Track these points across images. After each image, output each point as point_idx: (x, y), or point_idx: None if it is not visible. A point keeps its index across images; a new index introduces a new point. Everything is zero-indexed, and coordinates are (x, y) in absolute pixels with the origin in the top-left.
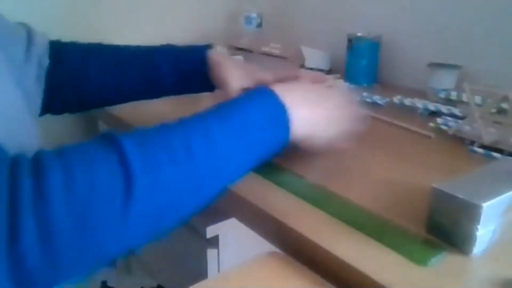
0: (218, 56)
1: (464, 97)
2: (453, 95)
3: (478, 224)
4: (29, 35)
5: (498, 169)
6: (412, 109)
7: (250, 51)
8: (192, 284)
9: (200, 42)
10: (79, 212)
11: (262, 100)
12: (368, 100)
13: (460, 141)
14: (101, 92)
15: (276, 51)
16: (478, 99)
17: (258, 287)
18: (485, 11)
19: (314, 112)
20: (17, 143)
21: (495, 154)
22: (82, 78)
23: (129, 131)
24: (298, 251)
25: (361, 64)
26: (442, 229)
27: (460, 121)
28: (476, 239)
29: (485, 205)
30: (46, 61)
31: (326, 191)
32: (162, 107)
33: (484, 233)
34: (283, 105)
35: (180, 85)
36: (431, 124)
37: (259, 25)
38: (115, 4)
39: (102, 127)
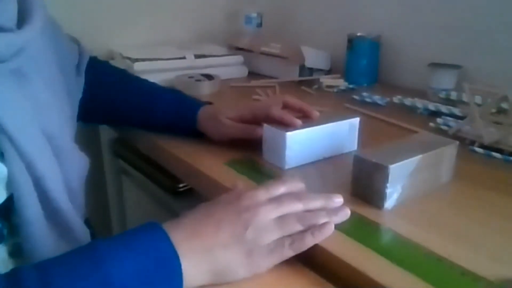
0: (207, 116)
1: (464, 97)
2: (453, 95)
3: (387, 183)
4: (80, 50)
5: (414, 140)
6: (412, 109)
7: (250, 51)
8: None
9: (200, 42)
10: None
11: (141, 246)
12: (368, 100)
13: (460, 141)
14: (112, 115)
15: (276, 51)
16: (478, 99)
17: (257, 286)
18: (485, 11)
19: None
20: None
21: (495, 154)
22: (106, 101)
23: None
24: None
25: (361, 64)
26: (361, 190)
27: (460, 121)
28: (386, 196)
29: (392, 166)
30: (86, 76)
31: None
32: None
33: (393, 191)
34: (172, 249)
35: (171, 131)
36: (431, 124)
37: (259, 25)
38: (115, 4)
39: (102, 127)
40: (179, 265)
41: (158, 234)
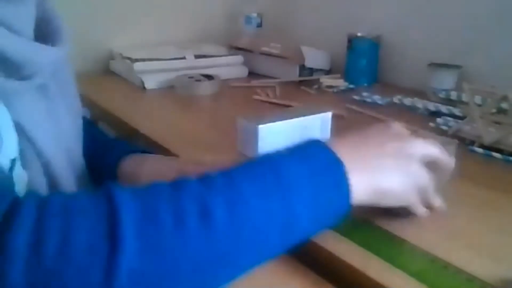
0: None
1: (464, 97)
2: (453, 95)
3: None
4: None
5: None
6: (412, 109)
7: (250, 51)
8: None
9: (200, 42)
10: (43, 280)
11: (310, 154)
12: (368, 100)
13: (460, 141)
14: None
15: (276, 51)
16: (478, 99)
17: (257, 286)
18: (485, 11)
19: (375, 165)
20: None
21: (495, 154)
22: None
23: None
24: (299, 250)
25: (361, 64)
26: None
27: (460, 121)
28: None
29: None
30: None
31: None
32: (161, 110)
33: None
34: (338, 159)
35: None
36: (431, 124)
37: (259, 25)
38: (115, 4)
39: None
40: (345, 173)
41: (322, 146)
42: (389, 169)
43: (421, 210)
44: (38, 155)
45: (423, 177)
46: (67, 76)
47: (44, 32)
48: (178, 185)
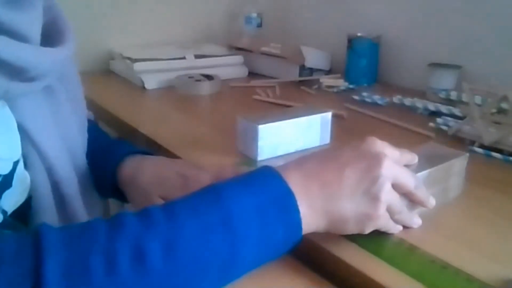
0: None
1: (464, 97)
2: (453, 95)
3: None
4: None
5: (421, 152)
6: (412, 109)
7: (250, 51)
8: None
9: (200, 42)
10: None
11: (261, 185)
12: (368, 100)
13: (460, 141)
14: None
15: (276, 51)
16: (478, 99)
17: (257, 286)
18: (485, 11)
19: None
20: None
21: (495, 154)
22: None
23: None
24: (299, 250)
25: (361, 64)
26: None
27: (460, 121)
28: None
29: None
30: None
31: None
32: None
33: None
34: (289, 190)
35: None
36: (431, 124)
37: (259, 25)
38: (116, 4)
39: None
40: (295, 204)
41: (274, 175)
42: (345, 196)
43: (394, 230)
44: (41, 157)
45: (391, 200)
46: (73, 78)
47: (51, 35)
48: (115, 225)
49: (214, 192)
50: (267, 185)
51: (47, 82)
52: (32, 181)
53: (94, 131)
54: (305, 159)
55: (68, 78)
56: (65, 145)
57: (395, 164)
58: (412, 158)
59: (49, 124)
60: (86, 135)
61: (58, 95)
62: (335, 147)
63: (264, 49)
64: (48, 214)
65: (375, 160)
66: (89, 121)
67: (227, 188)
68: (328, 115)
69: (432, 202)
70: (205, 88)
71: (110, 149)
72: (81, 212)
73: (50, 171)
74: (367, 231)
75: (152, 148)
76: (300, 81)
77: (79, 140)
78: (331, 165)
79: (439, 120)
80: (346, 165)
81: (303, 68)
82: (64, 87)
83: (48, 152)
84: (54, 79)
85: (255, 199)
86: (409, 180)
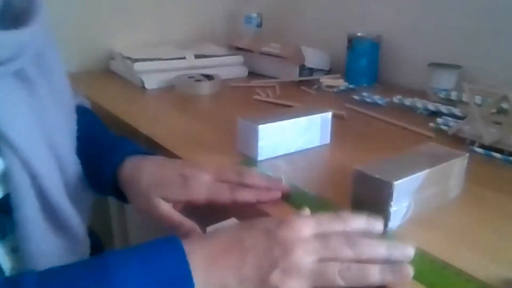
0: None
1: (464, 97)
2: (453, 95)
3: (392, 201)
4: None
5: (420, 152)
6: (412, 109)
7: (250, 51)
8: None
9: (200, 42)
10: None
11: (158, 258)
12: (368, 100)
13: (460, 141)
14: None
15: (276, 51)
16: (478, 99)
17: None
18: (485, 11)
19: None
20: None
21: (495, 154)
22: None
23: None
24: None
25: (361, 64)
26: (363, 206)
27: (460, 121)
28: (390, 215)
29: (397, 183)
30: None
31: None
32: (157, 111)
33: (398, 209)
34: (187, 267)
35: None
36: (431, 124)
37: (259, 25)
38: (116, 4)
39: None
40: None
41: (176, 254)
42: (241, 282)
43: None
44: (12, 149)
45: (288, 284)
46: (55, 66)
47: (10, 16)
48: None
49: (109, 269)
50: (166, 262)
51: (16, 67)
52: (8, 173)
53: (88, 122)
54: (215, 236)
55: (48, 67)
56: (44, 137)
57: (315, 249)
58: (358, 222)
59: (22, 115)
60: (74, 127)
61: (37, 88)
62: (249, 225)
63: (264, 49)
64: (29, 208)
65: (283, 249)
66: (83, 108)
67: (122, 267)
68: (328, 115)
69: (410, 253)
70: (205, 88)
71: (109, 148)
72: (65, 206)
73: (25, 164)
74: None
75: (152, 148)
76: (300, 81)
77: (64, 133)
78: (232, 249)
79: (439, 120)
80: (248, 251)
81: (303, 68)
82: (45, 80)
83: (19, 144)
84: (28, 64)
85: (148, 278)
86: (346, 249)
